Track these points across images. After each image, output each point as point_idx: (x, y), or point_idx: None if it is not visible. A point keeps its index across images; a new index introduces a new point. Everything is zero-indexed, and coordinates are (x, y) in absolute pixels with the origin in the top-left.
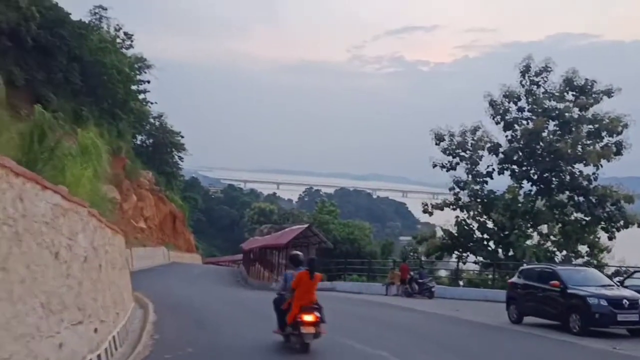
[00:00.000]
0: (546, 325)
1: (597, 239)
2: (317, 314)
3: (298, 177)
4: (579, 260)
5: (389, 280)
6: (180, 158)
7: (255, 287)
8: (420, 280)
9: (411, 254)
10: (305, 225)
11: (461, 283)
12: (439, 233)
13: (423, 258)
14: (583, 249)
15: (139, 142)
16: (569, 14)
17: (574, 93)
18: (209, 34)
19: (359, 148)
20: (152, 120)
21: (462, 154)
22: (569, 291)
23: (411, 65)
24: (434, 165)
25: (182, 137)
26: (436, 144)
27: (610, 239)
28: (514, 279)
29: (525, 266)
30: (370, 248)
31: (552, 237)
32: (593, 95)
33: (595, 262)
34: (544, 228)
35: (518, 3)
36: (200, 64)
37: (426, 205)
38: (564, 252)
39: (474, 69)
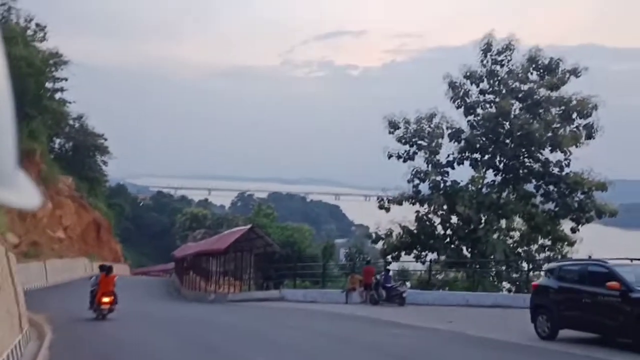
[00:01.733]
0: (593, 341)
1: (561, 232)
2: (112, 297)
3: (230, 183)
4: (542, 255)
5: (349, 286)
6: (104, 162)
7: (190, 299)
8: (388, 285)
9: (357, 255)
10: (248, 227)
11: (408, 284)
12: (397, 230)
13: (369, 258)
14: (544, 242)
15: (57, 146)
16: (490, 19)
17: (539, 73)
18: (136, 37)
19: (291, 152)
20: (71, 122)
21: (420, 142)
22: (633, 295)
23: (340, 70)
24: (389, 156)
25: (106, 139)
26: (390, 132)
27: (573, 231)
28: (543, 281)
29: (556, 263)
30: (311, 251)
31: (515, 230)
32: (558, 75)
33: (559, 257)
34: (504, 222)
35: (442, 9)
36: (126, 68)
37: (382, 200)
38: (525, 247)
39: (402, 72)
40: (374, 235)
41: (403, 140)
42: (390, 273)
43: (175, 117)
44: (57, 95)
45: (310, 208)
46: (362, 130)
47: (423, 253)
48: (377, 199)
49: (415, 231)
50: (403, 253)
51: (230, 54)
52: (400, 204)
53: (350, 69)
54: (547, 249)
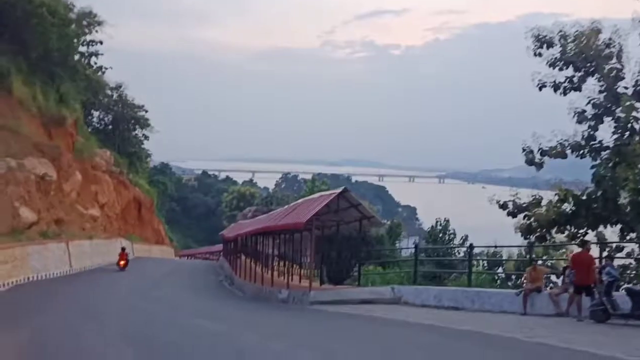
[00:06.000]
0: None
1: None
2: (125, 262)
3: (272, 165)
4: None
5: (530, 285)
6: (145, 137)
7: (249, 295)
8: (636, 289)
9: (441, 234)
10: (337, 191)
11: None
12: (546, 201)
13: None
14: None
15: (95, 119)
16: None
17: None
18: (173, 21)
19: (332, 134)
20: (109, 92)
21: (586, 65)
22: None
23: (382, 50)
24: (541, 86)
25: (146, 111)
26: (536, 53)
27: None
28: None
29: None
30: (376, 232)
31: None
32: None
33: None
34: None
35: None
36: (163, 53)
37: (528, 151)
38: None
39: (445, 51)
40: (510, 205)
41: (560, 63)
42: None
43: (219, 102)
44: (92, 61)
45: (355, 189)
46: (404, 110)
47: (589, 231)
48: (524, 150)
49: (584, 197)
50: (554, 230)
51: (270, 37)
52: (562, 156)
53: (393, 48)
54: None
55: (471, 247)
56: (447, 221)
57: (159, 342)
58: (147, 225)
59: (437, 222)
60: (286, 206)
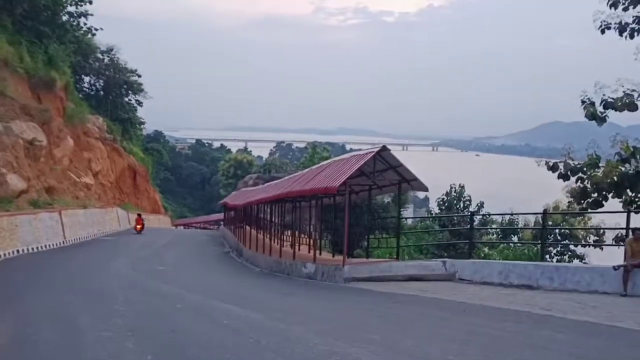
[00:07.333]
0: None
1: None
2: (142, 226)
3: (266, 134)
4: None
5: (632, 261)
6: (139, 102)
7: (265, 269)
8: None
9: (456, 194)
10: (375, 150)
11: None
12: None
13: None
14: None
15: (86, 85)
16: None
17: None
18: None
19: (325, 103)
20: (100, 55)
21: None
22: None
23: (376, 16)
24: (604, 28)
25: (139, 76)
26: None
27: None
28: None
29: None
30: (381, 199)
31: None
32: None
33: None
34: None
35: None
36: (157, 20)
37: (586, 101)
38: None
39: (439, 17)
40: (560, 166)
41: (625, 2)
42: None
43: (211, 70)
44: (82, 22)
45: None
46: (397, 78)
47: None
48: (583, 102)
49: None
50: (611, 195)
51: (262, 2)
52: (631, 108)
53: (386, 15)
54: None
55: (545, 213)
56: (462, 187)
57: (191, 343)
58: (143, 194)
59: (451, 188)
60: (306, 170)
